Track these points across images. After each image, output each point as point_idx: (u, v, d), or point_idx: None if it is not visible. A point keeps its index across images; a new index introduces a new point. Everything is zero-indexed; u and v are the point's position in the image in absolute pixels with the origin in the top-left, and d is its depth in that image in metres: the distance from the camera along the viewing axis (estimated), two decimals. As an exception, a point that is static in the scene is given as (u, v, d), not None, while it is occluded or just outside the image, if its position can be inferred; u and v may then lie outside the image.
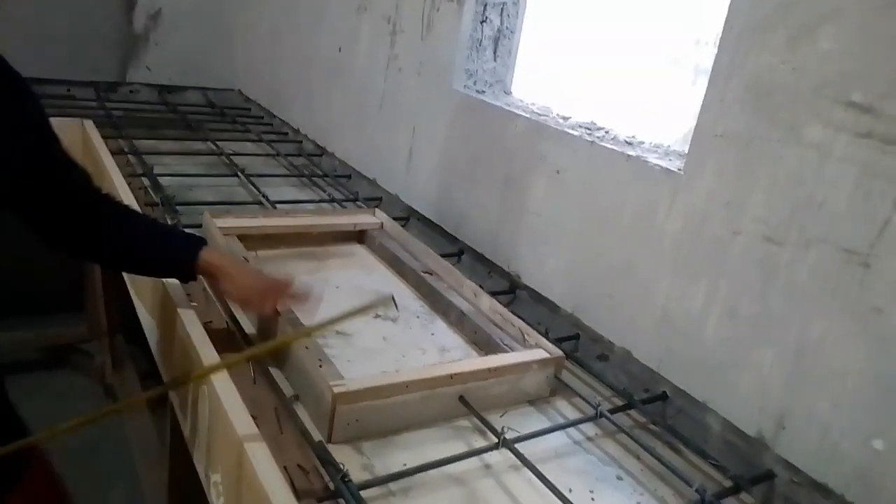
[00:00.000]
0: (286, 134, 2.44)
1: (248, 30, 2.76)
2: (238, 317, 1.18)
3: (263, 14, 2.63)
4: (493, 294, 1.31)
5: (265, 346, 1.04)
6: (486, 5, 1.57)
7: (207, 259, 1.03)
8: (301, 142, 2.35)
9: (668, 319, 1.11)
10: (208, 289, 1.24)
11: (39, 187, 0.94)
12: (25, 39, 2.27)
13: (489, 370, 1.03)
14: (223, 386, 0.89)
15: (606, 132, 1.31)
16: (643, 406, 1.10)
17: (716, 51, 1.03)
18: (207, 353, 0.98)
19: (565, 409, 1.09)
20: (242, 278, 1.04)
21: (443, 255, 1.48)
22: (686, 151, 1.11)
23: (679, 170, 1.11)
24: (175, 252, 1.05)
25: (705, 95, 1.06)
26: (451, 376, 1.00)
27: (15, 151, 0.89)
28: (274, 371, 1.05)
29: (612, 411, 1.06)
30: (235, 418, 0.83)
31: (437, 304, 1.33)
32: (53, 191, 0.96)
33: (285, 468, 0.83)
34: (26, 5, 2.35)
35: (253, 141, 2.31)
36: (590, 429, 1.05)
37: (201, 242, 1.06)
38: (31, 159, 0.91)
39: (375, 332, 1.23)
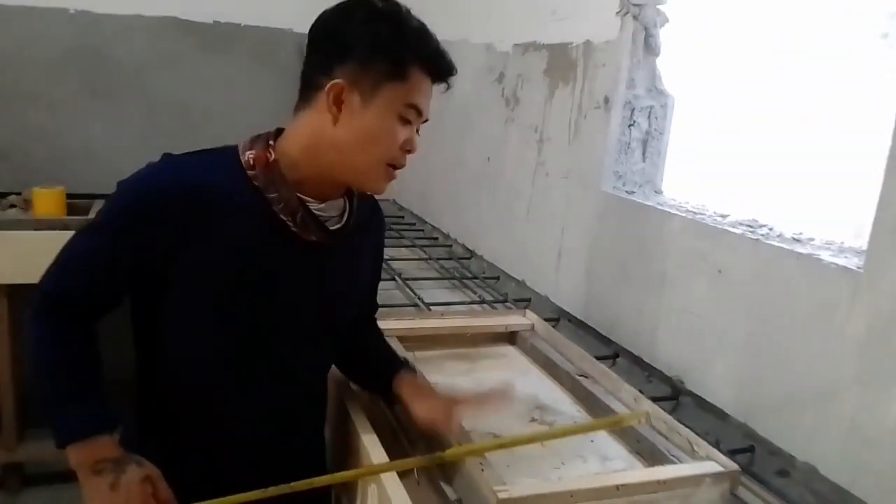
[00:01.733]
0: (437, 238, 2.56)
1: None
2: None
3: (415, 129, 2.84)
4: (655, 400, 1.26)
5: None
6: (633, 110, 1.61)
7: (397, 387, 1.11)
8: (451, 245, 2.45)
9: (859, 431, 1.01)
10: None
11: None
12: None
13: (658, 482, 0.98)
14: (393, 488, 0.92)
15: (770, 229, 1.26)
16: (836, 530, 0.99)
17: (891, 140, 0.99)
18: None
19: (744, 529, 1.01)
20: (428, 402, 1.08)
21: (597, 358, 1.45)
22: (863, 248, 1.05)
23: (858, 268, 1.04)
24: (385, 378, 1.14)
25: (883, 188, 1.00)
26: (618, 487, 0.96)
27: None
28: (437, 472, 1.06)
29: (801, 534, 0.96)
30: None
31: (595, 409, 1.30)
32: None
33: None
34: (215, 132, 2.71)
35: (407, 246, 2.45)
36: (775, 553, 0.96)
37: (404, 369, 1.15)
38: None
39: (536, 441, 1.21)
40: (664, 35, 1.58)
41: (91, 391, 0.92)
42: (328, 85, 0.91)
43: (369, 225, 1.11)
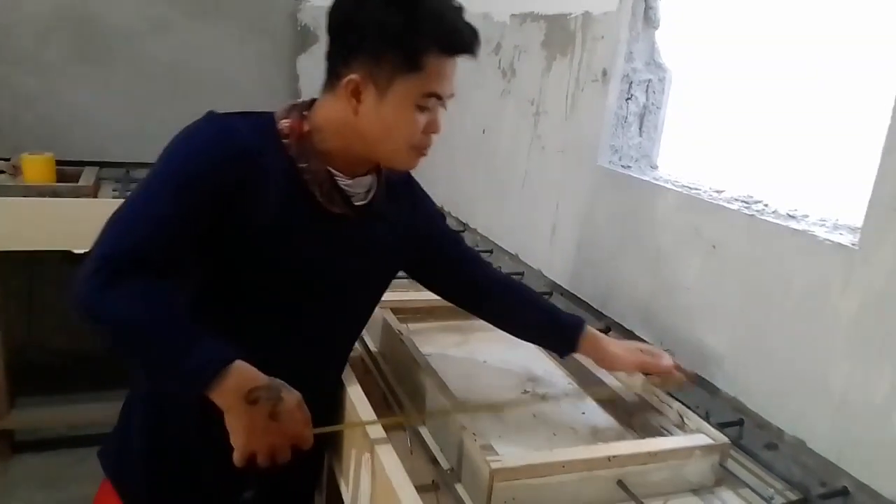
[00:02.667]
0: (430, 211, 2.55)
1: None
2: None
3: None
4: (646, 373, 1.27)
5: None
6: (631, 83, 1.59)
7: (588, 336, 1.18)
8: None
9: (848, 407, 1.02)
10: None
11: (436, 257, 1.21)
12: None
13: (649, 454, 0.99)
14: (387, 456, 0.92)
15: (766, 205, 1.26)
16: (821, 501, 1.00)
17: (891, 118, 0.98)
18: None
19: (732, 501, 1.02)
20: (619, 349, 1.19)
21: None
22: (859, 225, 1.05)
23: (853, 245, 1.04)
24: (560, 329, 1.20)
25: (881, 164, 1.00)
26: (609, 458, 0.97)
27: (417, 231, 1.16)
28: (429, 441, 1.07)
29: (787, 506, 0.98)
30: (401, 492, 0.85)
31: (587, 381, 1.31)
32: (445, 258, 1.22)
33: (445, 543, 0.84)
34: (208, 101, 2.67)
35: (399, 218, 2.43)
36: (762, 524, 0.97)
37: (581, 322, 1.20)
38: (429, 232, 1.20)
39: (525, 409, 1.22)
40: (663, 7, 1.56)
41: (202, 330, 0.86)
42: (345, 80, 0.92)
43: (401, 202, 1.12)
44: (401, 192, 1.13)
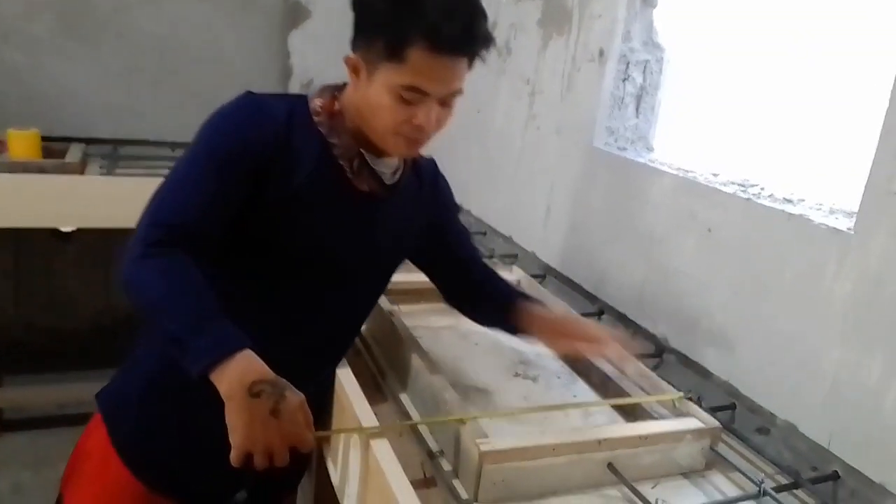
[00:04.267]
0: (423, 192, 2.53)
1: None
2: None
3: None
4: (639, 357, 1.26)
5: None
6: (628, 63, 1.57)
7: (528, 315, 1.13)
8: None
9: (839, 391, 1.01)
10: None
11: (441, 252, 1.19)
12: (192, 107, 2.53)
13: (639, 437, 0.99)
14: (376, 439, 0.91)
15: (762, 189, 1.25)
16: (812, 486, 1.00)
17: (888, 103, 0.97)
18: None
19: (722, 485, 1.02)
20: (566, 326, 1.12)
21: (582, 314, 1.45)
22: (854, 210, 1.04)
23: (848, 229, 1.03)
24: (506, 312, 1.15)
25: (877, 150, 0.99)
26: (600, 442, 0.96)
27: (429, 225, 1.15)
28: (421, 427, 1.06)
29: (777, 490, 0.98)
30: (390, 474, 0.84)
31: (578, 365, 1.30)
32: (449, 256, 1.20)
33: (434, 526, 0.83)
34: (197, 77, 2.63)
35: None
36: (752, 508, 0.97)
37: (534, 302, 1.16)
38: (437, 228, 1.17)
39: (516, 391, 1.22)
40: (662, -14, 1.54)
41: (222, 313, 0.84)
42: (345, 58, 0.96)
43: (424, 186, 1.13)
44: (425, 178, 1.14)
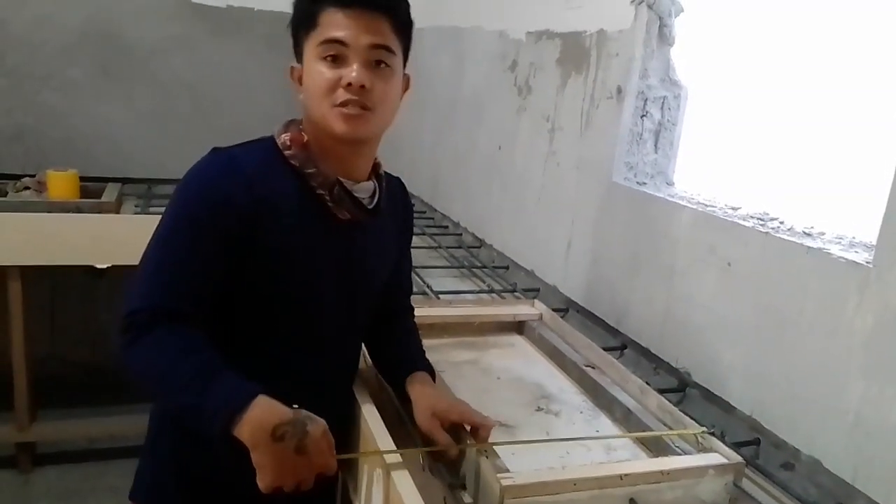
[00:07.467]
0: (447, 227, 2.56)
1: (411, 129, 2.98)
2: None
3: (425, 115, 2.84)
4: (661, 391, 1.26)
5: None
6: (646, 100, 1.60)
7: (408, 386, 1.10)
8: (461, 234, 2.45)
9: (863, 426, 1.01)
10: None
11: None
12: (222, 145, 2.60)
13: (662, 473, 0.98)
14: (398, 473, 0.93)
15: (781, 223, 1.26)
16: (839, 523, 0.99)
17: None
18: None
19: (747, 521, 1.01)
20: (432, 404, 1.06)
21: (604, 349, 1.46)
22: (873, 242, 1.04)
23: (867, 262, 1.03)
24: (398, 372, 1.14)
25: (893, 183, 0.99)
26: (622, 477, 0.97)
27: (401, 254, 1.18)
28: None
29: (803, 527, 0.97)
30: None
31: (601, 399, 1.30)
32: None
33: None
34: (227, 117, 2.71)
35: (417, 234, 2.43)
36: (777, 545, 0.96)
37: (422, 370, 1.13)
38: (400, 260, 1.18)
39: (538, 425, 1.22)
40: (679, 25, 1.57)
41: (222, 365, 0.86)
42: (286, 71, 1.01)
43: (397, 206, 1.14)
44: (398, 197, 1.16)
